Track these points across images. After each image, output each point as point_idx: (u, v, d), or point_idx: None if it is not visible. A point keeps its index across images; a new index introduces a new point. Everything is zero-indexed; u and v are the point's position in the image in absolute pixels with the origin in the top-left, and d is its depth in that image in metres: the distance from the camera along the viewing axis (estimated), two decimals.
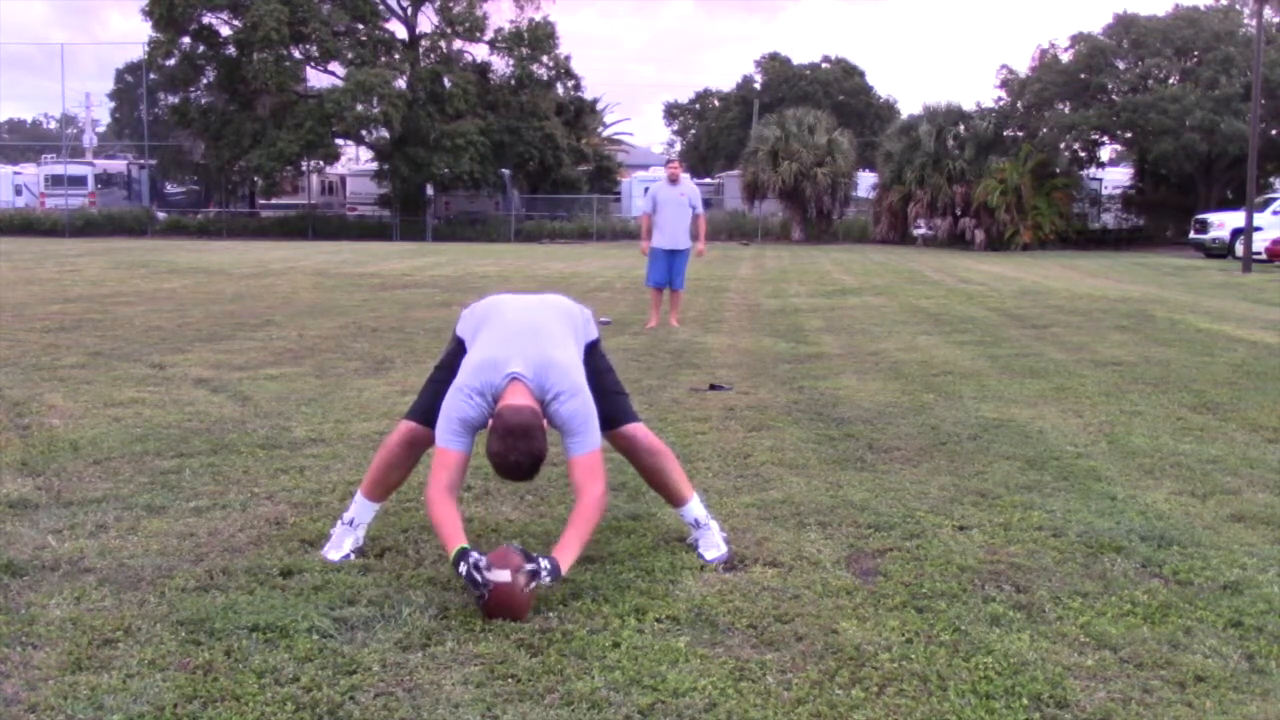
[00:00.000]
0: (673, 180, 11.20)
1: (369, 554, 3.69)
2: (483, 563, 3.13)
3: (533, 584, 3.14)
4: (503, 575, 3.10)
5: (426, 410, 3.62)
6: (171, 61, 38.56)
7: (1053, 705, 2.67)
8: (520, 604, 3.13)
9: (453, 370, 3.57)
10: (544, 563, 3.18)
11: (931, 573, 3.57)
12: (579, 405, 3.42)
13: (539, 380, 3.40)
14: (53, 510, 4.13)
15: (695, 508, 3.79)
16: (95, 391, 6.70)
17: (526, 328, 3.58)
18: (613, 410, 3.72)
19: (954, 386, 7.27)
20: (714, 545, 3.72)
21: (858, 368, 8.16)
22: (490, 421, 3.35)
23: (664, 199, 11.05)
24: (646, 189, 12.32)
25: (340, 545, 3.68)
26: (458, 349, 3.70)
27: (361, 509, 3.75)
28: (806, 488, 4.60)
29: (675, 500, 3.82)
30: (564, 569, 3.25)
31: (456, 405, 3.41)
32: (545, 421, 3.40)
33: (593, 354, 3.78)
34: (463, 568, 3.15)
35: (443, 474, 3.38)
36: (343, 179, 46.22)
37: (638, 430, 3.80)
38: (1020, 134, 36.71)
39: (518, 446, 3.27)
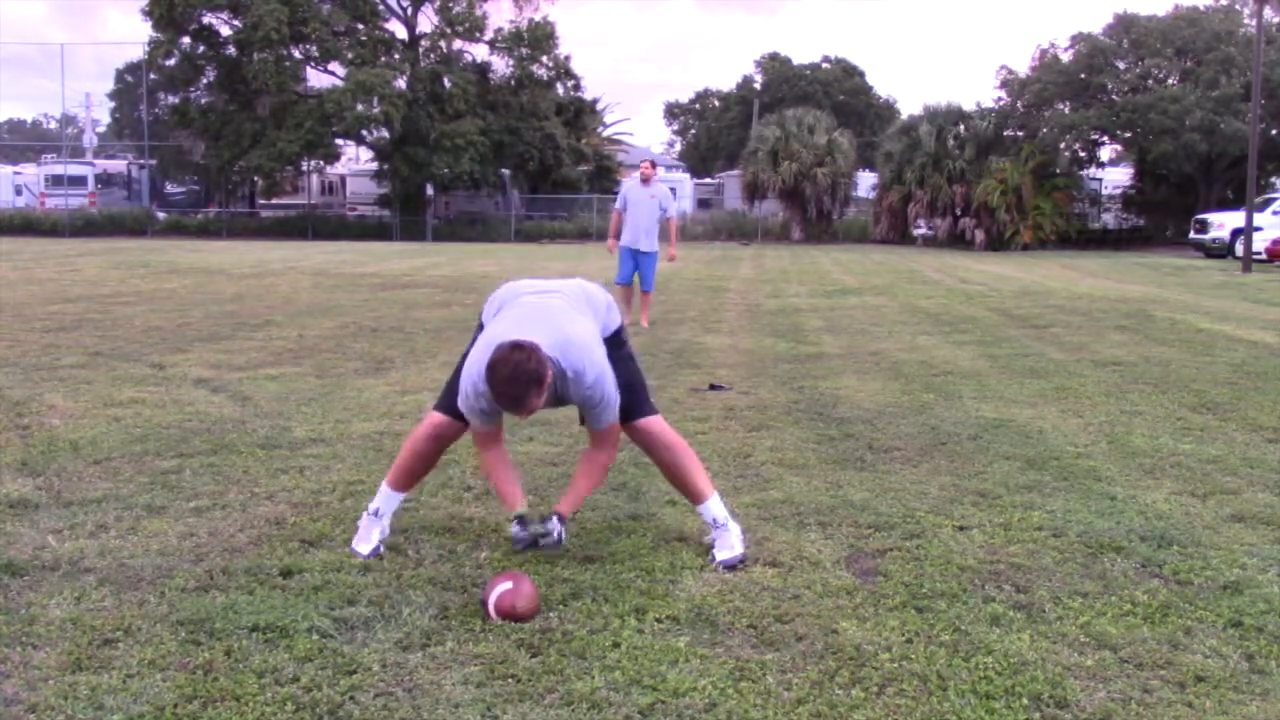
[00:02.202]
0: (645, 180, 11.12)
1: None
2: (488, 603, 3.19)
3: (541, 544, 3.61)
4: (496, 612, 3.15)
5: (455, 402, 3.62)
6: (171, 61, 38.56)
7: (1053, 705, 2.67)
8: (526, 617, 3.14)
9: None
10: (554, 527, 3.57)
11: (931, 573, 3.56)
12: (602, 388, 3.48)
13: (561, 358, 3.41)
14: (53, 510, 4.13)
15: (714, 506, 3.75)
16: (95, 391, 6.70)
17: (542, 311, 3.57)
18: (629, 402, 3.69)
19: (954, 386, 7.27)
20: (728, 546, 3.68)
21: (858, 368, 8.15)
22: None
23: (634, 198, 10.99)
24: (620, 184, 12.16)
25: (368, 538, 3.70)
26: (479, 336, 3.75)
27: (387, 499, 3.78)
28: (806, 488, 4.60)
29: (694, 497, 3.79)
30: (567, 514, 3.69)
31: (469, 396, 3.49)
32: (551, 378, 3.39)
33: (614, 342, 3.74)
34: (514, 530, 3.64)
35: (486, 440, 3.65)
36: (343, 179, 46.21)
37: (654, 424, 3.76)
38: (1020, 134, 36.69)
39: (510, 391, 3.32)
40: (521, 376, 3.25)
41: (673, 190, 12.58)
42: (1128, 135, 35.80)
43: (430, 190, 39.17)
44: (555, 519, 3.61)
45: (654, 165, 11.79)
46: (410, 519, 4.05)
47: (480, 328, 3.77)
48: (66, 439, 5.32)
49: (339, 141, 40.65)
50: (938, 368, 8.15)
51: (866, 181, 41.84)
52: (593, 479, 3.71)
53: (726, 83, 69.80)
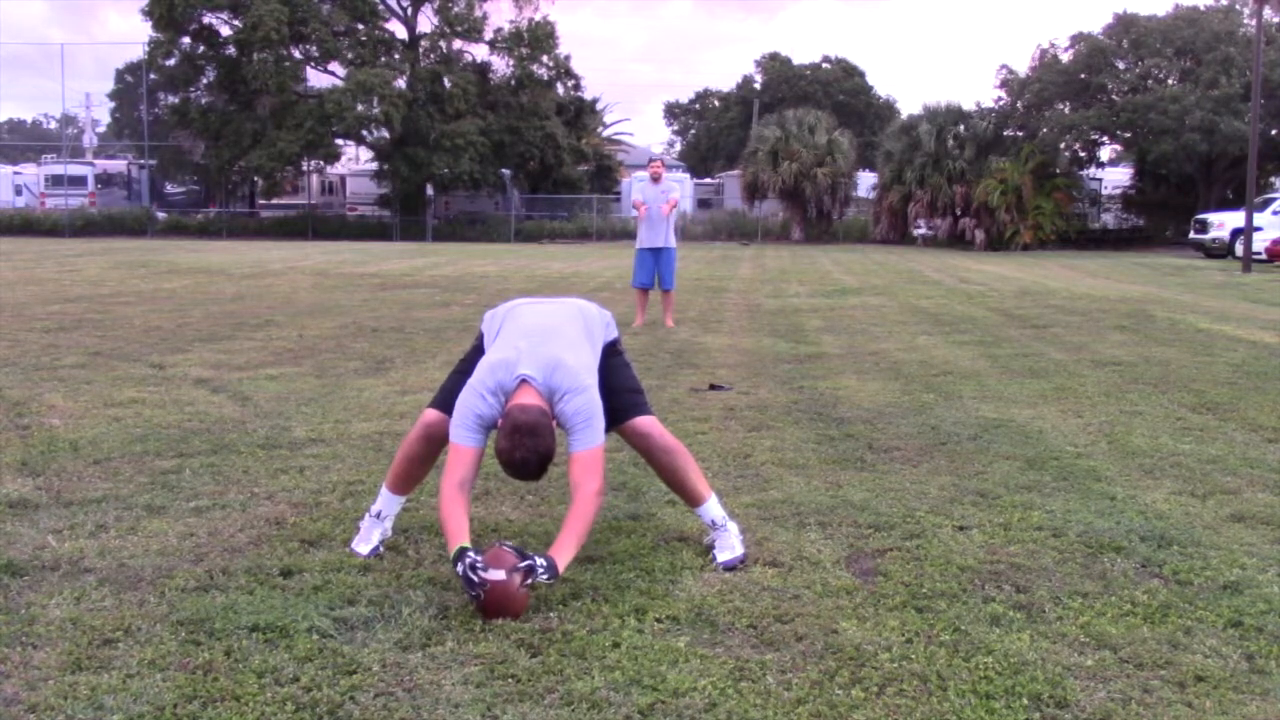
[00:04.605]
0: (655, 179, 11.23)
1: None
2: (479, 563, 3.13)
3: (529, 581, 3.16)
4: (497, 575, 3.11)
5: (448, 400, 3.64)
6: (171, 61, 38.65)
7: (1053, 705, 2.67)
8: (516, 603, 3.14)
9: (474, 365, 3.62)
10: (540, 560, 3.20)
11: (931, 573, 3.56)
12: (583, 403, 3.43)
13: (548, 382, 3.43)
14: (53, 510, 4.13)
15: (713, 508, 3.76)
16: (95, 391, 6.70)
17: (540, 330, 3.61)
18: (625, 405, 3.73)
19: (954, 386, 7.27)
20: (728, 547, 3.69)
21: (858, 368, 8.15)
22: (500, 420, 3.38)
23: (649, 199, 11.08)
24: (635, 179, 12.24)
25: (369, 538, 3.72)
26: (479, 347, 3.77)
27: (387, 501, 3.80)
28: (806, 488, 4.60)
29: (692, 500, 3.80)
30: (560, 568, 3.25)
31: (470, 402, 3.45)
32: (554, 422, 3.42)
33: (611, 352, 3.82)
34: (460, 567, 3.18)
35: (456, 470, 3.41)
36: (343, 179, 46.27)
37: (651, 426, 3.77)
38: (1020, 134, 36.71)
39: (524, 444, 3.28)
40: (533, 459, 3.30)
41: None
42: (1128, 135, 35.81)
43: (430, 190, 39.20)
44: (545, 562, 3.21)
45: (663, 164, 11.86)
46: (410, 519, 4.05)
47: (479, 339, 3.81)
48: (66, 439, 5.32)
49: (339, 141, 40.70)
50: (938, 368, 8.15)
51: (866, 181, 41.85)
52: (585, 516, 3.37)
53: (726, 83, 69.74)
